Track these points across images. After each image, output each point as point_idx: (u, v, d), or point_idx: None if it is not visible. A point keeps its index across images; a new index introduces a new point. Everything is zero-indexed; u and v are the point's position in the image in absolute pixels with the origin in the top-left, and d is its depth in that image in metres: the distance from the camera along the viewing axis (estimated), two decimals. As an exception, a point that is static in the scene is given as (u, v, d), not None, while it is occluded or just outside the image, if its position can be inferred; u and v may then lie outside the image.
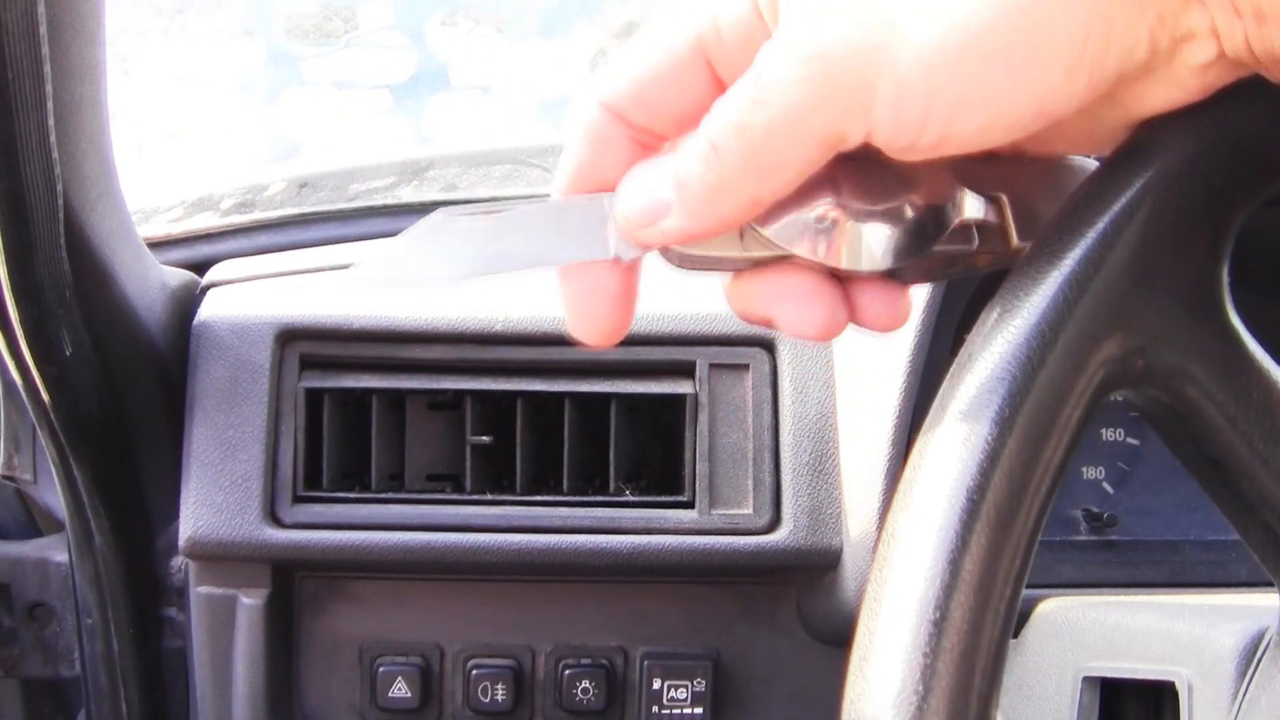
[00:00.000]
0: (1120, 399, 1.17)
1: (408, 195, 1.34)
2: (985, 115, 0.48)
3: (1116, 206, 0.50)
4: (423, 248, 0.53)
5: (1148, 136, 0.51)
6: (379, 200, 1.33)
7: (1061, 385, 0.49)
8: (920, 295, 0.97)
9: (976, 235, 0.55)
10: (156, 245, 1.18)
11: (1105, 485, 1.15)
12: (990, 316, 0.51)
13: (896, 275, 0.56)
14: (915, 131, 0.48)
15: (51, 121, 0.81)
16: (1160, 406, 0.54)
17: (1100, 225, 0.49)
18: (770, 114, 0.48)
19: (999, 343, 0.50)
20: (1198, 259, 0.50)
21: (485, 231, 0.53)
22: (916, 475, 0.50)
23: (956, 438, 0.49)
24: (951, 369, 0.52)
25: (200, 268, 1.16)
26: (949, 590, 0.47)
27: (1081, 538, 1.12)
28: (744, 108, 0.49)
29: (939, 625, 0.46)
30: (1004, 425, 0.48)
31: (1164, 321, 0.51)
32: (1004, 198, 0.55)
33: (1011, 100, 0.48)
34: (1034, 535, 0.49)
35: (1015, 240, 0.55)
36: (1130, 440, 1.16)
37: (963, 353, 0.52)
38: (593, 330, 0.55)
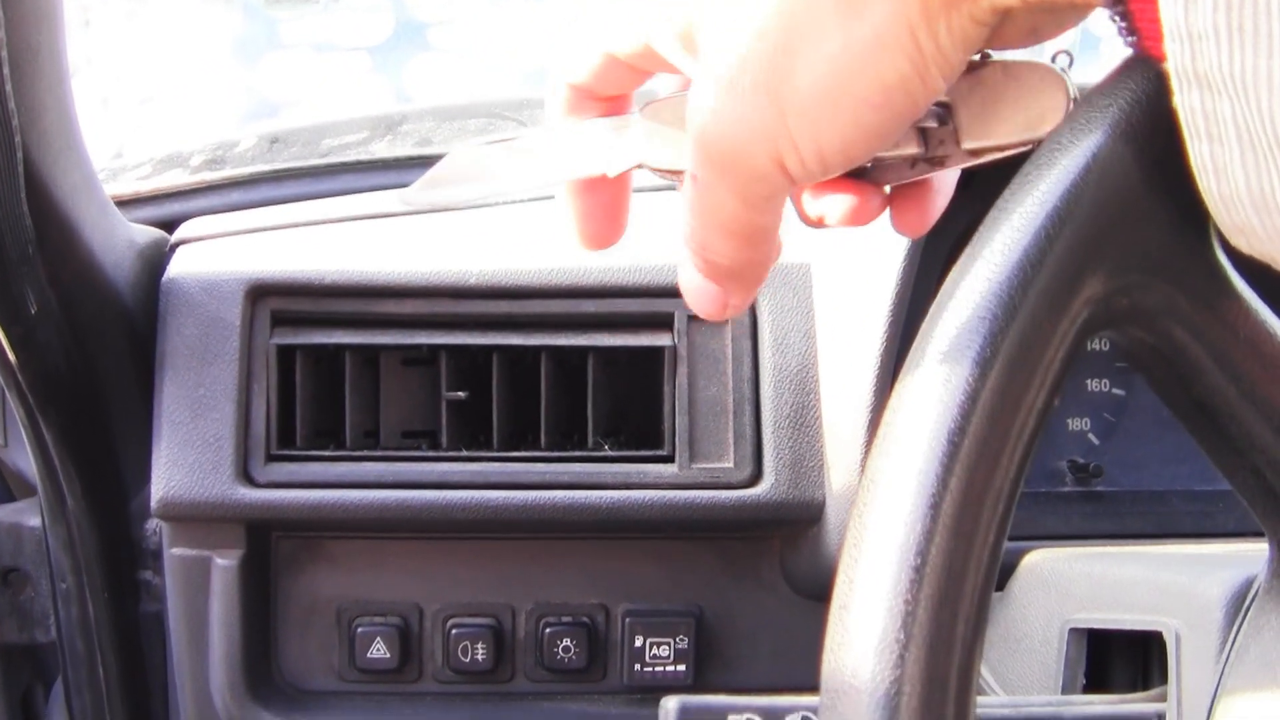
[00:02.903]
0: (1105, 348, 1.16)
1: (381, 150, 1.33)
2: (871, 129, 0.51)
3: (1096, 139, 0.48)
4: (454, 172, 0.63)
5: (1126, 66, 0.49)
6: (352, 156, 1.31)
7: (1043, 325, 0.48)
8: (900, 244, 0.96)
9: (922, 138, 0.56)
10: (125, 203, 1.17)
11: (1091, 437, 1.15)
12: (969, 255, 0.50)
13: (866, 178, 0.57)
14: (822, 163, 0.52)
15: (6, 70, 0.79)
16: (1145, 348, 0.53)
17: (1080, 159, 0.48)
18: (720, 219, 0.54)
19: (978, 281, 0.49)
20: (1182, 194, 0.49)
21: (499, 157, 0.62)
22: (895, 418, 0.48)
23: (936, 379, 0.48)
24: (931, 309, 0.50)
25: (170, 226, 1.14)
26: (929, 535, 0.46)
27: (1067, 489, 1.11)
28: (694, 224, 0.55)
29: (920, 571, 0.45)
30: (985, 366, 0.47)
31: (1148, 259, 0.50)
32: (954, 104, 0.54)
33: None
34: (1017, 480, 0.48)
35: (964, 143, 0.55)
36: (1116, 391, 1.15)
37: (942, 292, 0.50)
38: (594, 237, 0.62)
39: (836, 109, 0.49)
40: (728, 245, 0.55)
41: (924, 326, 0.50)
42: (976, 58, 0.53)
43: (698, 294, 0.58)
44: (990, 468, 0.47)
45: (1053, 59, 0.55)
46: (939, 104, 0.54)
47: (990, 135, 0.54)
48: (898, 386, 0.49)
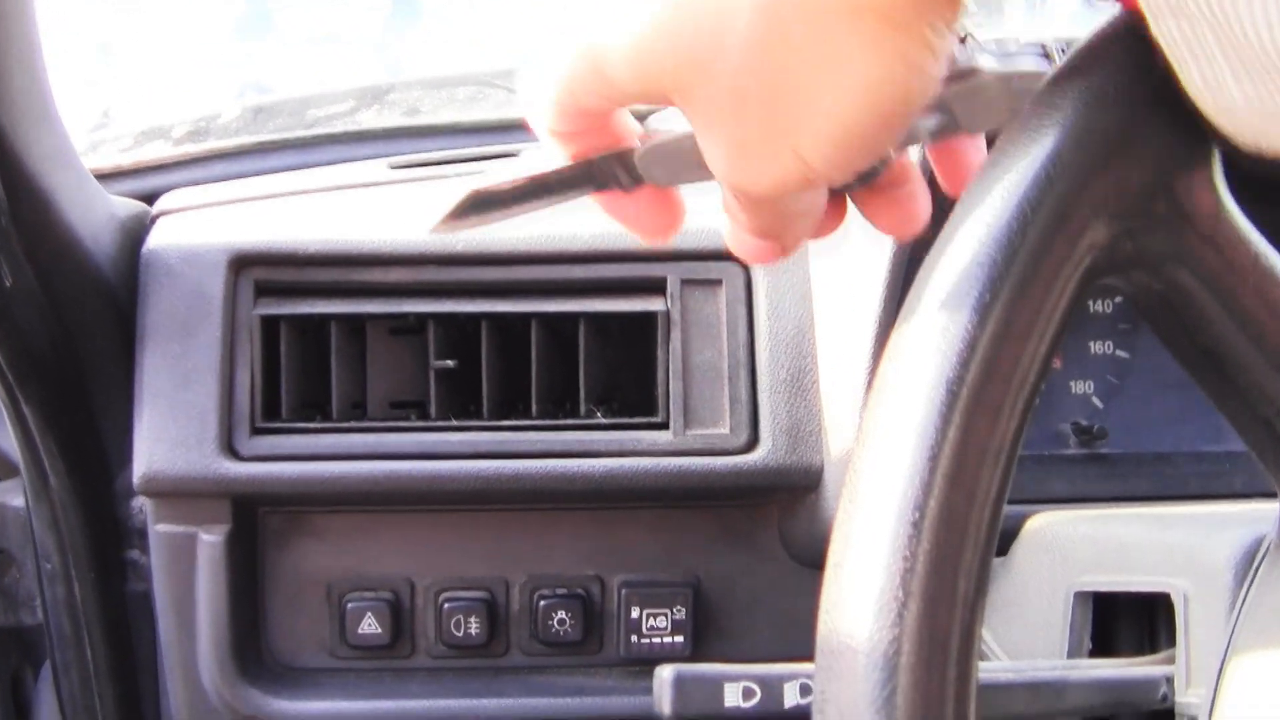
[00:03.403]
0: (1108, 310, 1.14)
1: (369, 120, 1.31)
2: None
3: (1098, 78, 0.47)
4: (467, 211, 0.61)
5: (1107, 19, 0.48)
6: (339, 127, 1.30)
7: (1046, 270, 0.47)
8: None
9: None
10: (105, 177, 1.15)
11: (1094, 399, 1.13)
12: (966, 200, 0.48)
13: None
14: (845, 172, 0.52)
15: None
16: (1151, 294, 0.51)
17: (1082, 98, 0.47)
18: (760, 222, 0.56)
19: (977, 226, 0.47)
20: (1183, 129, 0.47)
21: (510, 194, 0.60)
22: (891, 367, 0.47)
23: (933, 327, 0.46)
24: (928, 255, 0.49)
25: (152, 199, 1.13)
26: (928, 488, 0.44)
27: (1071, 451, 1.10)
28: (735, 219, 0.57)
29: (919, 525, 0.43)
30: (984, 313, 0.46)
31: (1152, 201, 0.49)
32: (955, 110, 0.55)
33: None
34: (1019, 433, 0.46)
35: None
36: (1120, 353, 1.14)
37: (940, 237, 0.49)
38: (656, 228, 0.61)
39: (849, 137, 0.49)
40: (774, 226, 0.57)
41: (920, 273, 0.48)
42: (968, 66, 0.53)
43: (751, 249, 0.58)
44: (991, 418, 0.45)
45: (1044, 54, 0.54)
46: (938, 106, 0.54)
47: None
48: (893, 336, 0.48)
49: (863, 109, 0.48)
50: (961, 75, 0.53)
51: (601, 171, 0.58)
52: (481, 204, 0.63)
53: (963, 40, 0.53)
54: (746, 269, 1.01)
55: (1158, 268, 0.49)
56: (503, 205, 0.63)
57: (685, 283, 1.00)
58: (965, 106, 0.54)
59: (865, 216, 0.61)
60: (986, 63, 0.53)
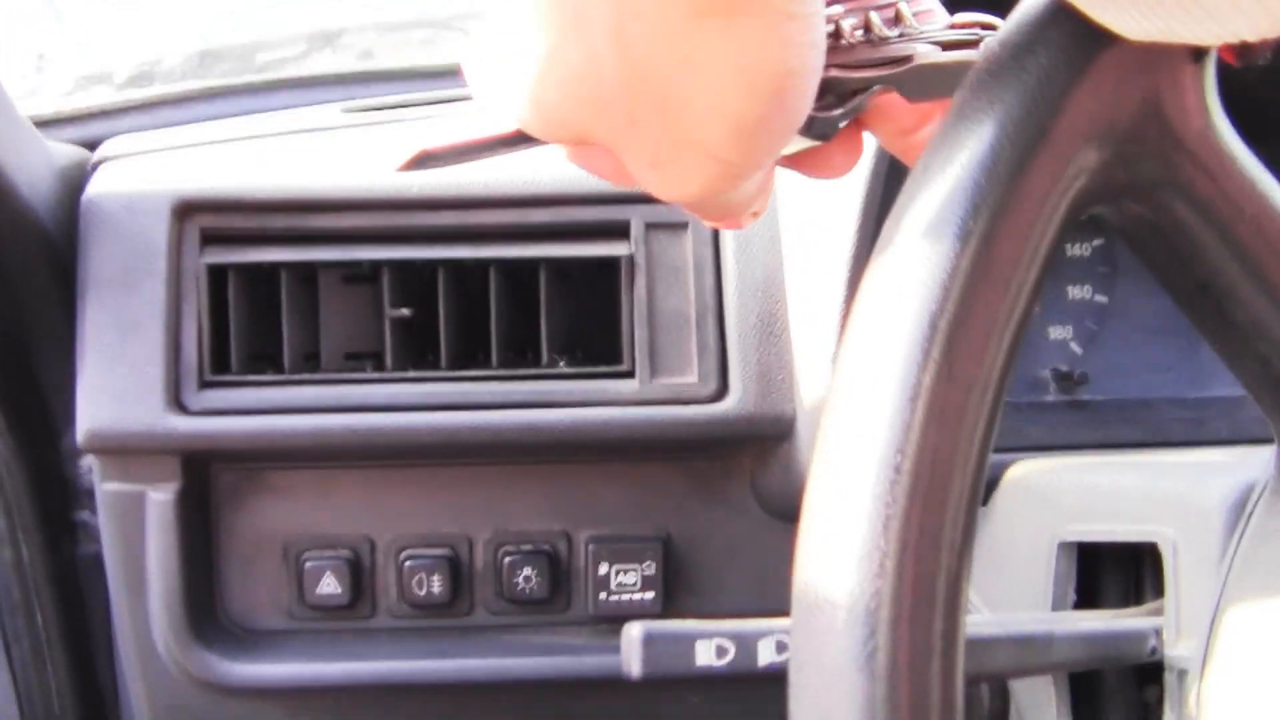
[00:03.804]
0: (1086, 254, 1.12)
1: (321, 65, 1.27)
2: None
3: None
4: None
5: None
6: (290, 71, 1.26)
7: (1032, 196, 0.44)
8: (870, 141, 0.90)
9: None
10: (45, 124, 1.12)
11: (1073, 345, 1.11)
12: (950, 119, 0.45)
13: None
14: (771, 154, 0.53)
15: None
16: (1143, 224, 0.49)
17: (1064, 15, 0.44)
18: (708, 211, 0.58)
19: (959, 149, 0.44)
20: (1172, 52, 0.45)
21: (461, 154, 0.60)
22: (867, 302, 0.44)
23: (913, 256, 0.43)
24: (908, 179, 0.46)
25: (94, 147, 1.09)
26: (909, 428, 0.40)
27: (1051, 398, 1.08)
28: None
29: (900, 469, 0.40)
30: (966, 239, 0.43)
31: (1148, 126, 0.46)
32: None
33: None
34: (1006, 369, 0.43)
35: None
36: (1099, 298, 1.12)
37: (920, 161, 0.46)
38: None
39: (748, 125, 0.49)
40: (726, 216, 0.58)
41: (900, 198, 0.45)
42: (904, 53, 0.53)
43: (718, 222, 0.60)
44: (976, 352, 0.42)
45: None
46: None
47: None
48: (870, 267, 0.45)
49: (748, 96, 0.48)
50: (896, 61, 0.53)
51: None
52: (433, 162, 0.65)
53: (897, 21, 0.52)
54: None
55: (1150, 195, 0.47)
56: (455, 160, 0.64)
57: (650, 226, 0.97)
58: (903, 85, 0.54)
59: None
60: (924, 50, 0.53)
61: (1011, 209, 0.43)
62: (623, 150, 0.52)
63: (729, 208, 0.56)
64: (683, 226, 0.97)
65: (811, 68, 0.49)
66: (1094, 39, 0.44)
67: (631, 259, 0.97)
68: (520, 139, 0.58)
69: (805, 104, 0.50)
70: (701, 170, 0.51)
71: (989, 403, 0.42)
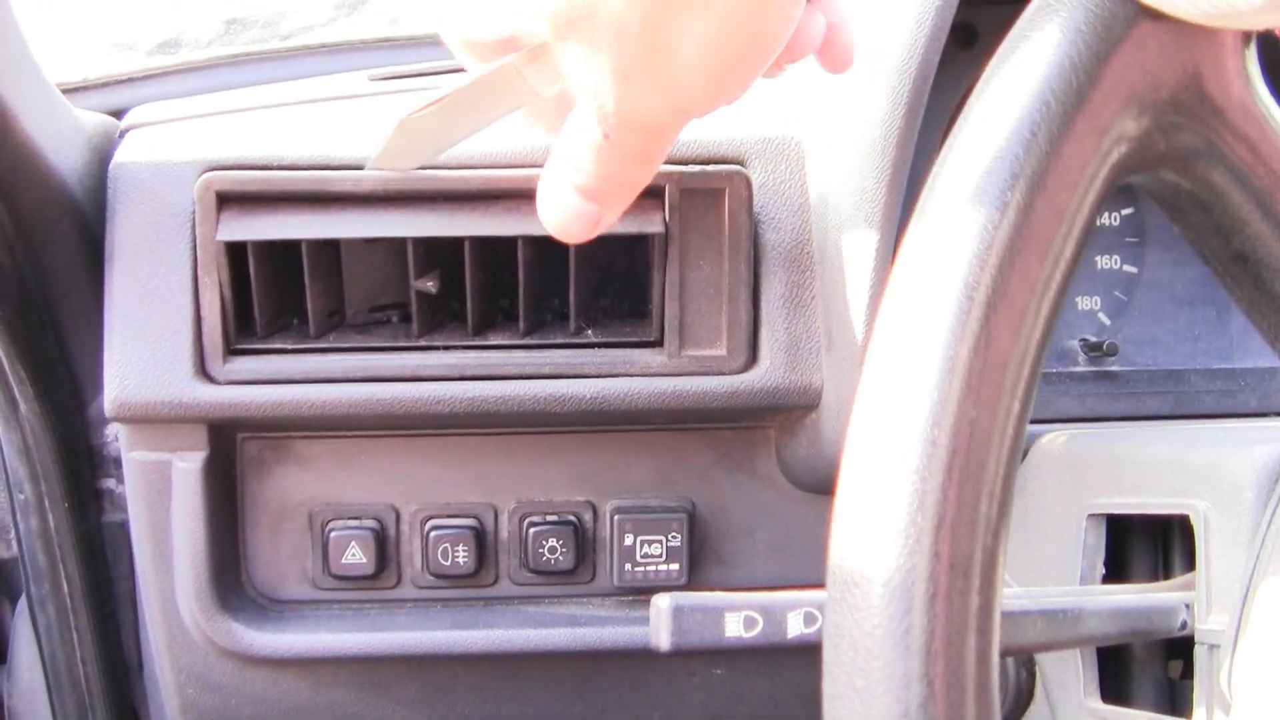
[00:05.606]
0: (1115, 224, 1.11)
1: (347, 32, 1.26)
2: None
3: None
4: (407, 144, 0.74)
5: None
6: (316, 38, 1.25)
7: (1072, 165, 0.43)
8: (898, 110, 0.89)
9: None
10: (73, 91, 1.12)
11: (1101, 316, 1.10)
12: (989, 86, 0.44)
13: None
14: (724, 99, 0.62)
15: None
16: (1182, 194, 0.49)
17: None
18: (631, 153, 0.64)
19: (999, 116, 0.43)
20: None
21: (439, 116, 0.72)
22: (903, 273, 0.43)
23: (948, 226, 0.43)
24: (946, 145, 0.45)
25: (121, 115, 1.09)
26: (946, 401, 0.40)
27: (1080, 369, 1.07)
28: (601, 161, 0.64)
29: (936, 443, 0.40)
30: (1005, 208, 0.42)
31: (1188, 95, 0.46)
32: None
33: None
34: (1044, 340, 0.43)
35: None
36: (1128, 268, 1.11)
37: (957, 128, 0.45)
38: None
39: (719, 65, 0.58)
40: (631, 170, 0.64)
41: (937, 164, 0.44)
42: None
43: (576, 218, 0.66)
44: (1013, 323, 0.42)
45: None
46: None
47: None
48: (905, 238, 0.44)
49: (729, 39, 0.56)
50: None
51: (517, 73, 0.67)
52: (416, 134, 0.73)
53: None
54: (747, 179, 0.95)
55: (1188, 164, 0.47)
56: (436, 133, 0.73)
57: (685, 192, 0.95)
58: None
59: None
60: None
61: (1050, 179, 0.42)
62: (591, 57, 0.58)
63: (643, 158, 0.63)
64: (719, 193, 0.94)
65: (785, 34, 0.57)
66: (1135, 7, 0.43)
67: (666, 227, 0.94)
68: (485, 89, 0.68)
69: (770, 59, 0.58)
70: (663, 94, 0.58)
71: (1026, 376, 0.42)
